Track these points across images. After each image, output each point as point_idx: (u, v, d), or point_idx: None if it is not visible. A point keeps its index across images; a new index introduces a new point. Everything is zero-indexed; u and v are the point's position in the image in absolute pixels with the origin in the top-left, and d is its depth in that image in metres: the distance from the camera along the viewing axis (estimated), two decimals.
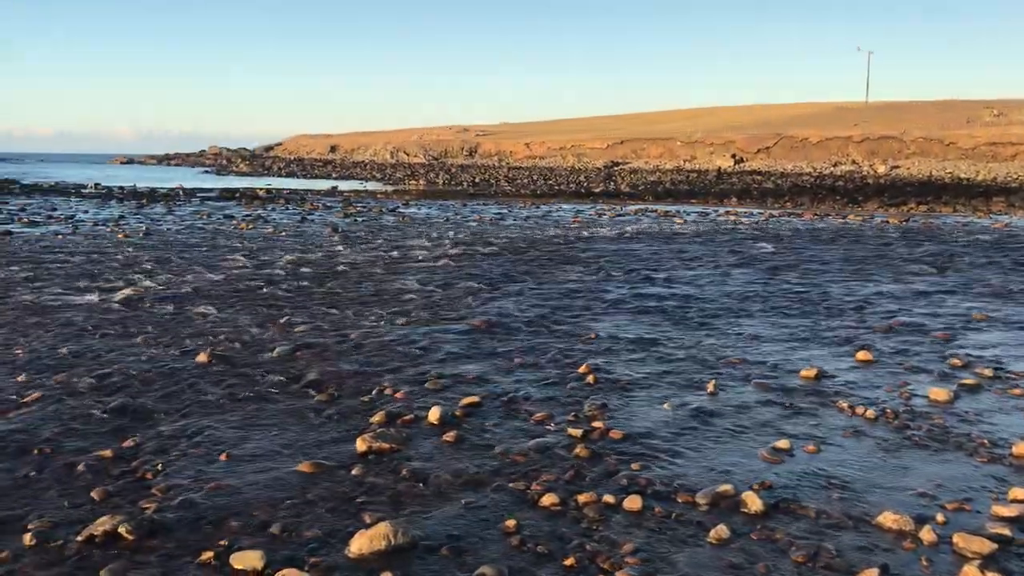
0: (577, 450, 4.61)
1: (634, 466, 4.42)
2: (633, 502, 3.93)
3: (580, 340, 7.39)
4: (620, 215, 24.09)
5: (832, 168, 56.80)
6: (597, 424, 5.04)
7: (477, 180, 50.80)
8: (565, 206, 28.84)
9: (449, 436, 4.83)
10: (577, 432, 4.88)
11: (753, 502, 3.95)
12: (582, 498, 3.98)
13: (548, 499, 3.97)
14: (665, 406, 5.47)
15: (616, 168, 66.31)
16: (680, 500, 4.03)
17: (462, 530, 3.70)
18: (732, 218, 22.83)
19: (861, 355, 6.84)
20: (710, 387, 5.87)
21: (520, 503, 3.99)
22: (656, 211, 25.63)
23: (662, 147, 74.40)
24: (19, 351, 6.61)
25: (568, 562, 3.41)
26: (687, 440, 4.89)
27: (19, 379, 5.81)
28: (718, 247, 15.23)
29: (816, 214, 24.57)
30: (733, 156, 66.15)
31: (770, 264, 12.81)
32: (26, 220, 18.96)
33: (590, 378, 6.05)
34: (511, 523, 3.73)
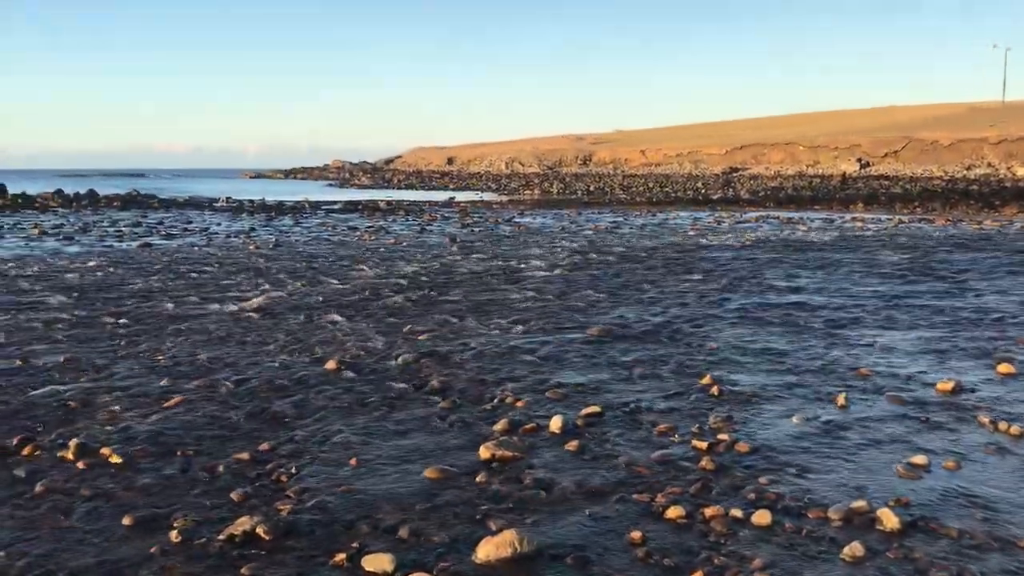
0: (703, 463, 4.54)
1: (762, 480, 4.32)
2: (762, 517, 3.84)
3: (702, 350, 7.27)
4: (740, 222, 23.61)
5: (965, 171, 54.17)
6: (723, 436, 4.94)
7: (592, 188, 50.71)
8: (682, 213, 28.47)
9: (571, 445, 4.83)
10: (702, 444, 4.80)
11: (889, 519, 3.79)
12: (709, 511, 3.91)
13: (674, 511, 3.92)
14: (793, 419, 5.32)
15: (735, 174, 65.05)
16: (811, 516, 3.91)
17: (587, 540, 3.69)
18: (859, 224, 22.04)
19: (1003, 368, 6.49)
20: (840, 400, 5.68)
21: (645, 515, 3.95)
22: (778, 218, 25.01)
23: (783, 152, 72.56)
24: (161, 357, 6.97)
25: (696, 575, 3.36)
26: (817, 454, 4.74)
27: (162, 383, 6.14)
28: (844, 254, 14.73)
29: (949, 220, 23.48)
30: (859, 160, 63.92)
31: (900, 271, 12.31)
32: (164, 232, 20.02)
33: (714, 389, 5.94)
34: (637, 535, 3.70)
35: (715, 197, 38.41)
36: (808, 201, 34.44)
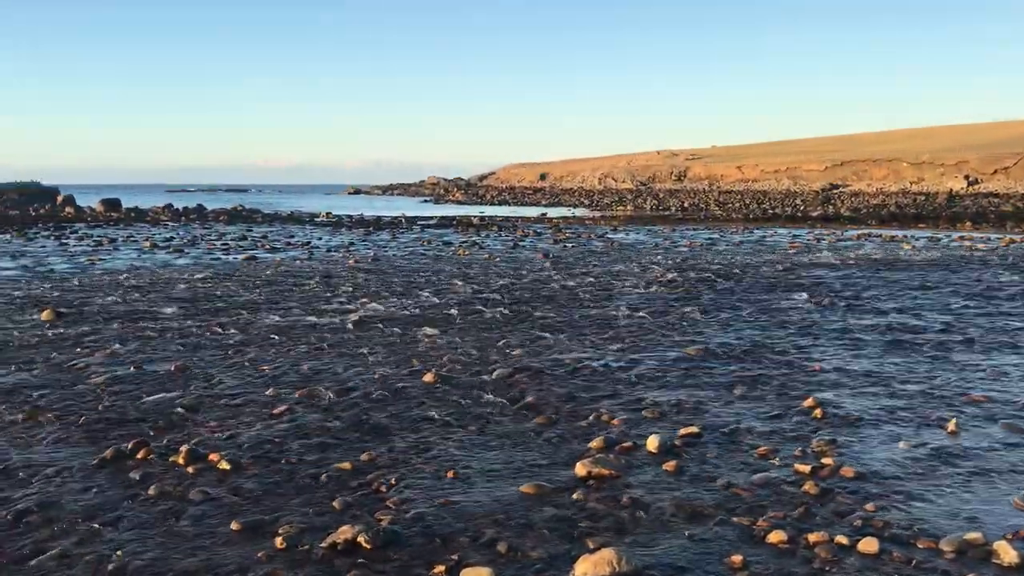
0: (805, 487, 4.42)
1: (868, 507, 4.18)
2: (869, 544, 3.71)
3: (803, 371, 7.10)
4: (841, 240, 22.97)
5: None
6: (827, 460, 4.81)
7: (686, 205, 50.13)
8: (780, 230, 27.87)
9: (669, 465, 4.77)
10: (805, 468, 4.68)
11: (1007, 553, 3.62)
12: (812, 537, 3.80)
13: (776, 536, 3.82)
14: (901, 444, 5.14)
15: (835, 191, 63.37)
16: (921, 546, 3.76)
17: (686, 562, 3.64)
18: (967, 243, 21.18)
19: None
20: (951, 426, 5.45)
21: (746, 538, 3.87)
22: (880, 236, 24.24)
23: (886, 168, 70.34)
24: (266, 367, 7.19)
25: None
26: (927, 482, 4.56)
27: (268, 393, 6.33)
28: (952, 274, 14.17)
29: None
30: (966, 177, 61.47)
31: (1012, 293, 11.76)
32: (268, 246, 20.66)
33: (816, 412, 5.78)
34: (737, 558, 3.62)
35: (814, 214, 37.46)
36: (912, 219, 33.29)
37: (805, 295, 11.66)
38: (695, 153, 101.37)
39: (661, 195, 65.07)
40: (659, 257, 17.70)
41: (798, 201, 51.21)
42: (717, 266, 15.75)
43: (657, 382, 6.75)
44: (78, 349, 7.88)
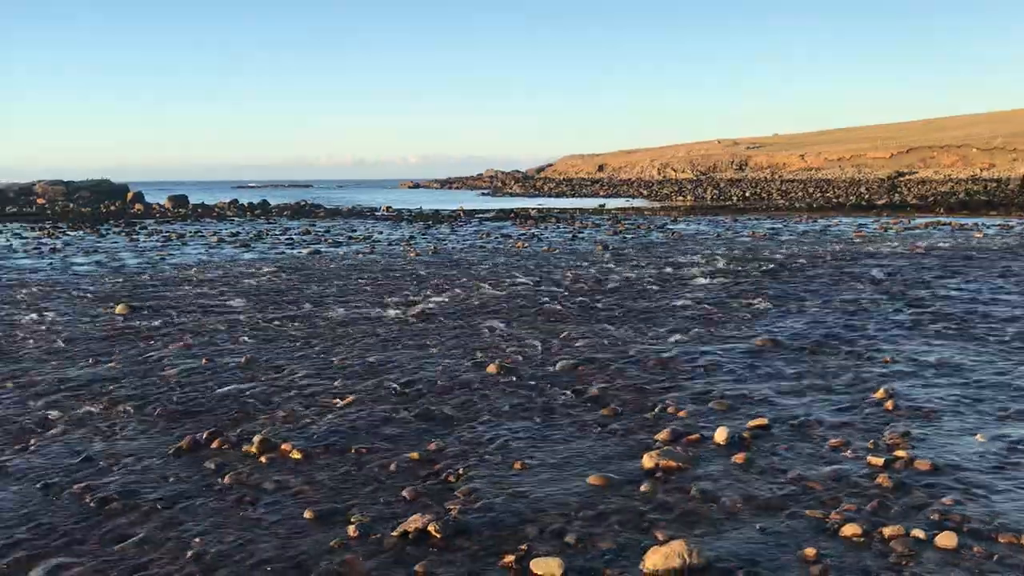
0: (879, 480, 4.34)
1: (945, 500, 4.09)
2: (947, 539, 3.63)
3: (873, 362, 6.96)
4: (908, 228, 22.45)
5: None
6: (900, 453, 4.71)
7: (747, 194, 49.47)
8: (845, 220, 27.34)
9: (738, 458, 4.73)
10: (878, 461, 4.59)
11: None
12: (888, 531, 3.73)
13: (849, 529, 3.76)
14: (978, 437, 5.01)
15: (901, 179, 61.86)
16: (1002, 540, 3.67)
17: (758, 555, 3.60)
18: None
19: None
20: None
21: (818, 531, 3.82)
22: (950, 224, 23.61)
23: (955, 155, 68.43)
24: (333, 360, 7.30)
25: None
26: (1007, 475, 4.44)
27: (336, 384, 6.43)
28: None
29: None
30: None
31: None
32: (331, 240, 20.95)
33: (888, 404, 5.67)
34: (811, 551, 3.57)
35: (880, 203, 36.64)
36: (983, 206, 32.34)
37: (873, 285, 11.43)
38: (756, 142, 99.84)
39: (722, 185, 64.28)
40: (722, 248, 17.50)
41: (863, 189, 50.15)
42: (782, 256, 15.51)
43: (723, 373, 6.68)
44: (152, 342, 8.10)
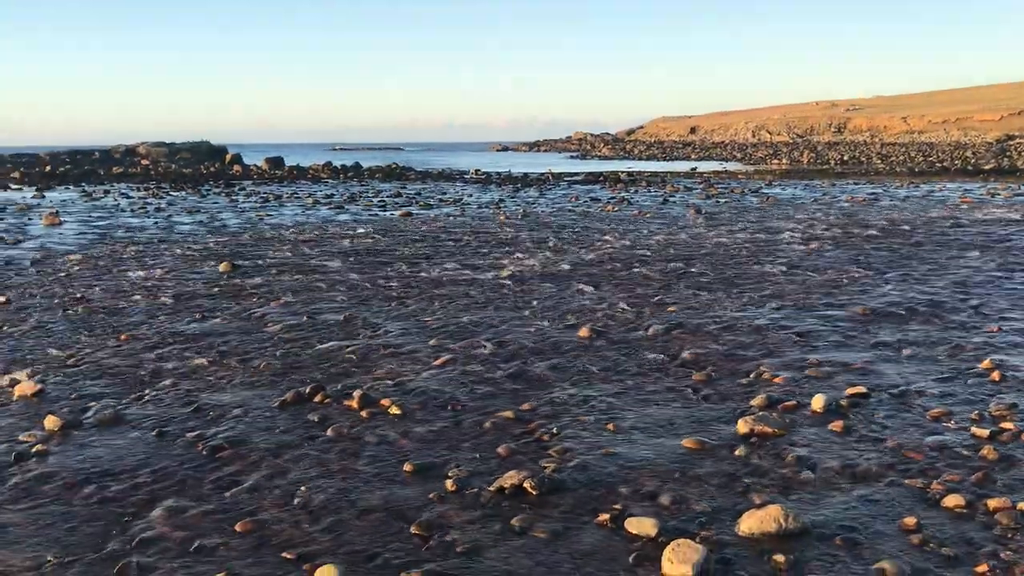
0: (983, 451, 4.23)
1: None
2: None
3: (979, 332, 6.73)
4: (1018, 194, 21.44)
5: None
6: (1007, 425, 4.57)
7: (846, 158, 47.96)
8: (949, 185, 26.28)
9: (835, 425, 4.66)
10: (983, 432, 4.47)
11: None
12: (992, 503, 3.64)
13: (952, 500, 3.69)
14: None
15: (1011, 142, 58.97)
16: None
17: (855, 522, 3.56)
18: None
19: None
20: None
21: (919, 501, 3.75)
22: None
23: None
24: (428, 319, 7.45)
25: (980, 569, 3.15)
26: None
27: (431, 343, 6.56)
28: None
29: None
30: None
31: None
32: (422, 203, 21.20)
33: (994, 374, 5.49)
34: (910, 520, 3.52)
35: (987, 167, 35.06)
36: None
37: (979, 252, 11.00)
38: (856, 103, 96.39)
39: (819, 148, 62.42)
40: (819, 213, 17.06)
41: (968, 153, 48.02)
42: (882, 222, 15.04)
43: (820, 341, 6.56)
44: (254, 299, 8.39)
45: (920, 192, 23.20)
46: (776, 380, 5.54)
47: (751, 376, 5.65)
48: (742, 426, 4.63)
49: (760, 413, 4.84)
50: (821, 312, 7.55)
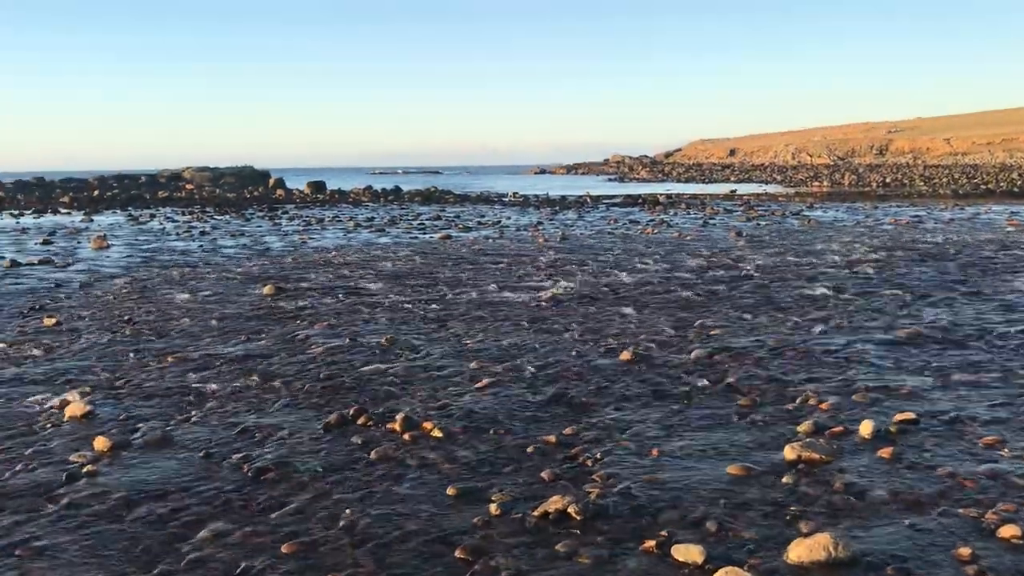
0: None
1: None
2: None
3: None
4: None
5: None
6: None
7: (888, 180, 47.40)
8: (996, 207, 25.85)
9: (884, 452, 4.58)
10: None
11: None
12: None
13: (1008, 530, 3.60)
14: None
15: None
16: None
17: (907, 552, 3.49)
18: None
19: None
20: None
21: (973, 531, 3.66)
22: None
23: None
24: (468, 342, 7.46)
25: None
26: None
27: (472, 366, 6.57)
28: None
29: None
30: None
31: None
32: (461, 225, 21.32)
33: None
34: (965, 551, 3.44)
35: None
36: None
37: None
38: (897, 125, 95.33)
39: (860, 170, 61.78)
40: (862, 236, 16.86)
41: (1015, 175, 47.19)
42: (926, 245, 14.82)
43: (866, 365, 6.46)
44: (298, 321, 8.48)
45: (965, 215, 22.84)
46: (822, 406, 5.46)
47: (797, 401, 5.58)
48: (789, 452, 4.57)
49: (807, 439, 4.77)
50: (867, 336, 7.44)
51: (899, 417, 5.12)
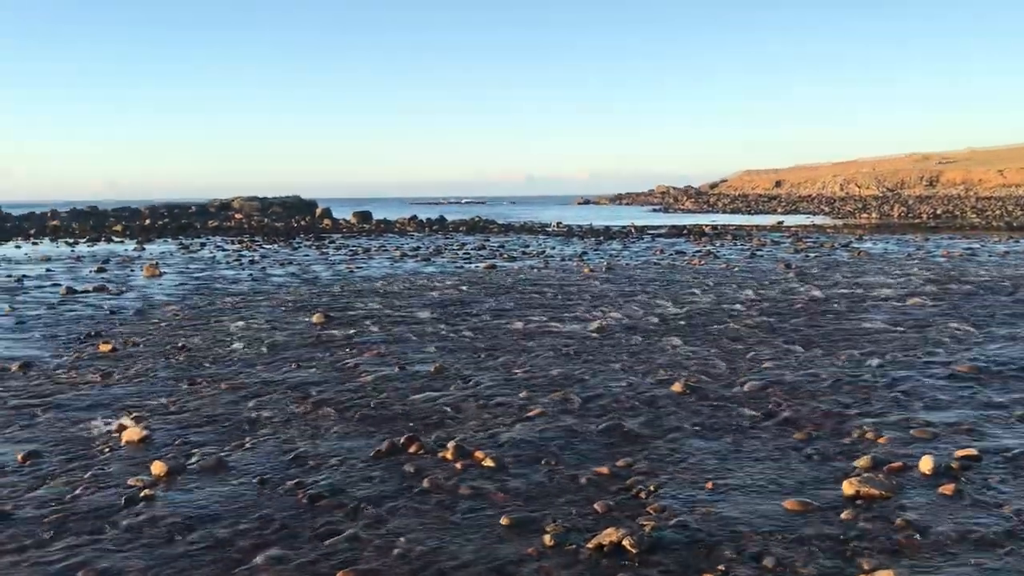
0: None
1: None
2: None
3: None
4: None
5: None
6: None
7: (938, 212, 46.67)
8: None
9: (946, 489, 4.47)
10: None
11: None
12: None
13: None
14: None
15: None
16: None
17: None
18: None
19: None
20: None
21: None
22: None
23: None
24: (517, 371, 7.46)
25: None
26: None
27: (521, 395, 6.56)
28: None
29: None
30: None
31: None
32: (506, 255, 21.38)
33: None
34: None
35: None
36: None
37: None
38: (948, 157, 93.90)
39: (910, 202, 60.92)
40: (914, 268, 16.58)
41: None
42: (982, 278, 14.52)
43: (924, 400, 6.33)
44: (347, 349, 8.55)
45: (1021, 247, 22.36)
46: (880, 440, 5.35)
47: (853, 435, 5.48)
48: (847, 487, 4.48)
49: (865, 474, 4.67)
50: (924, 370, 7.29)
51: (960, 453, 5.00)
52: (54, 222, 39.58)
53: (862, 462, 4.90)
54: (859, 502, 4.36)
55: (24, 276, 16.74)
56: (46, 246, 27.39)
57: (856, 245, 23.66)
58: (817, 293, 12.62)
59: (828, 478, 4.72)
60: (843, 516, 4.18)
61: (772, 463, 5.02)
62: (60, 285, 14.76)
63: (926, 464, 4.79)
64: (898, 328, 9.43)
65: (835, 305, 11.35)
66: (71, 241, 29.59)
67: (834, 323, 9.87)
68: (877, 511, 4.24)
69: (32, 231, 34.65)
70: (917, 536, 3.94)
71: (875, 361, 7.67)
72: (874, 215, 47.02)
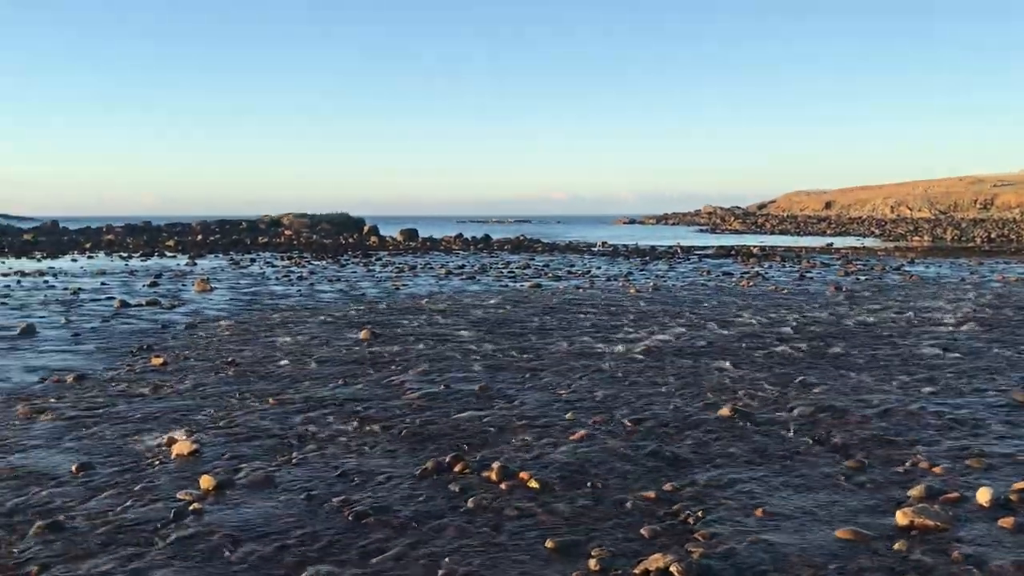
0: None
1: None
2: None
3: None
4: None
5: None
6: None
7: (993, 235, 45.68)
8: None
9: (1005, 522, 4.34)
10: None
11: None
12: None
13: None
14: None
15: None
16: None
17: None
18: None
19: None
20: None
21: None
22: None
23: None
24: (562, 392, 7.43)
25: None
26: None
27: (567, 416, 6.53)
28: None
29: None
30: None
31: None
32: (550, 275, 21.37)
33: None
34: None
35: None
36: None
37: None
38: (1004, 179, 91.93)
39: (963, 225, 59.75)
40: (969, 293, 16.23)
41: None
42: None
43: (980, 429, 6.17)
44: (393, 367, 8.59)
45: None
46: (935, 470, 5.22)
47: (907, 464, 5.35)
48: (901, 518, 4.37)
49: (920, 504, 4.56)
50: (979, 398, 7.12)
51: (1019, 485, 4.85)
52: (109, 236, 40.55)
53: (916, 491, 4.78)
54: (913, 533, 4.25)
55: (80, 289, 17.14)
56: (101, 260, 28.05)
57: (908, 269, 23.26)
58: (868, 317, 12.41)
59: (881, 507, 4.62)
60: (897, 547, 4.08)
61: (823, 490, 4.92)
62: (114, 298, 15.08)
63: (984, 495, 4.65)
64: (951, 354, 9.22)
65: (886, 330, 11.15)
66: (125, 255, 30.26)
67: (885, 348, 9.69)
68: (932, 543, 4.13)
69: (88, 245, 35.55)
70: (975, 570, 3.83)
71: (928, 388, 7.50)
72: (926, 238, 46.21)
